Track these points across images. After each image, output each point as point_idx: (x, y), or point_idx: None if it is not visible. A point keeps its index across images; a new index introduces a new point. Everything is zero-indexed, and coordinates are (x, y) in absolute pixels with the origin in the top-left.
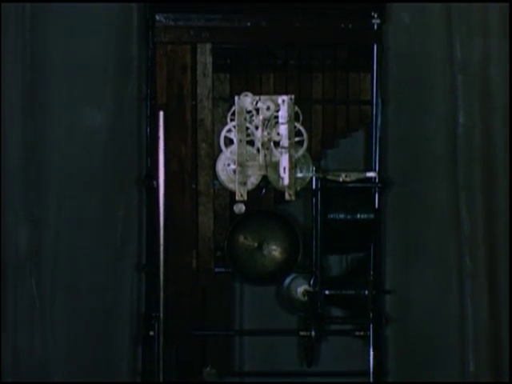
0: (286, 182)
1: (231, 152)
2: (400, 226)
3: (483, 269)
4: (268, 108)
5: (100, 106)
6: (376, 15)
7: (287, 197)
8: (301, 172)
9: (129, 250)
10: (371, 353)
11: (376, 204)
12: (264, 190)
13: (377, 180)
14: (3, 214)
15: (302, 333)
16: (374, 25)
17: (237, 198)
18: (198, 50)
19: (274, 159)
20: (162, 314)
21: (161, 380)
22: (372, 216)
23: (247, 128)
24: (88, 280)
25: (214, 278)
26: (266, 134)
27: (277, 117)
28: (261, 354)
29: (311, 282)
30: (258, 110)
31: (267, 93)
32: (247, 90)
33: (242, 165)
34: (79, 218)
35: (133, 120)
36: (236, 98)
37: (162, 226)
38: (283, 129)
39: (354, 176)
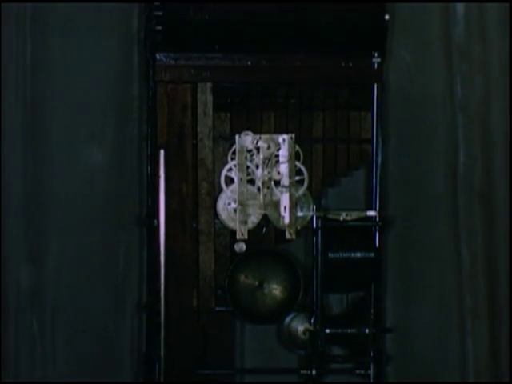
0: (287, 220)
1: (232, 191)
2: (400, 265)
3: (484, 307)
4: (268, 147)
5: (100, 145)
6: (376, 54)
7: (288, 236)
8: (301, 211)
9: (129, 289)
10: None
11: (376, 243)
12: (265, 229)
13: (377, 219)
14: (4, 252)
15: (302, 371)
16: (374, 63)
17: (237, 237)
18: (199, 89)
19: (274, 198)
20: (162, 353)
21: None
22: (372, 255)
23: (248, 167)
24: (89, 319)
25: (215, 316)
26: (266, 172)
27: (277, 156)
28: None
29: (312, 320)
30: (258, 149)
31: (268, 132)
32: (248, 129)
33: (242, 204)
34: (80, 257)
35: (133, 159)
36: (236, 136)
37: (163, 264)
38: (284, 168)
39: (354, 215)
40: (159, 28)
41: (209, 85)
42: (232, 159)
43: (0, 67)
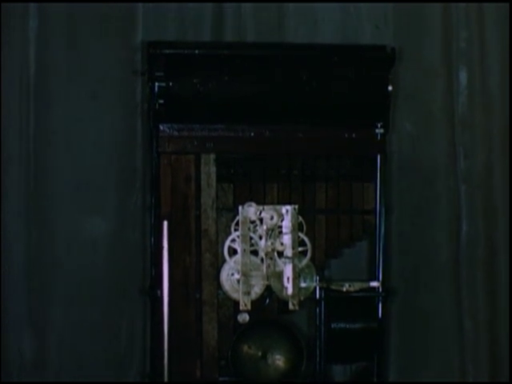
0: (290, 291)
1: (235, 262)
2: (403, 335)
3: (486, 376)
4: (272, 218)
5: (104, 215)
6: (379, 125)
7: (291, 306)
8: (304, 282)
9: (133, 359)
10: None
11: (379, 313)
12: (268, 300)
13: (380, 289)
14: (7, 320)
15: None
16: (377, 135)
17: (241, 308)
18: (202, 160)
19: (277, 269)
20: None
21: None
22: (375, 325)
23: (251, 238)
24: None
25: None
26: (269, 243)
27: (280, 227)
28: None
29: None
30: (261, 220)
31: (271, 203)
32: (251, 200)
33: (245, 274)
34: (83, 326)
35: (137, 229)
36: (240, 207)
37: (166, 335)
38: (287, 239)
39: (357, 286)
40: (162, 100)
41: (212, 156)
42: (235, 230)
43: (3, 137)
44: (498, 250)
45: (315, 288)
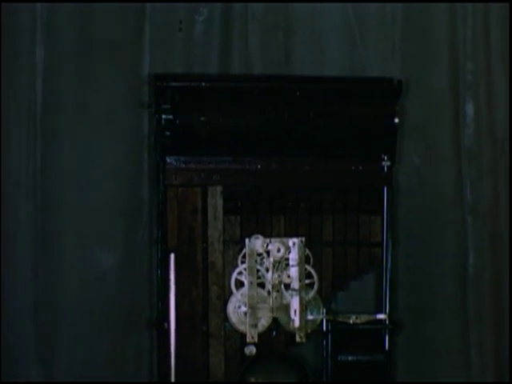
0: (297, 324)
1: (242, 294)
2: (410, 367)
3: None
4: (279, 250)
5: (111, 249)
6: (386, 157)
7: (298, 339)
8: (311, 314)
9: None
10: None
11: (386, 345)
12: (275, 332)
13: (387, 322)
14: (15, 353)
15: None
16: (383, 167)
17: (248, 340)
18: (209, 193)
19: (284, 301)
20: None
21: None
22: (382, 357)
23: (258, 270)
24: None
25: None
26: (276, 276)
27: (287, 259)
28: None
29: None
30: (268, 253)
31: (278, 235)
32: (258, 233)
33: (252, 307)
34: (90, 359)
35: (144, 262)
36: (247, 240)
37: (173, 367)
38: (294, 271)
39: (364, 318)
40: (168, 133)
41: (219, 188)
42: (242, 262)
43: (10, 169)
44: (504, 282)
45: (322, 320)
